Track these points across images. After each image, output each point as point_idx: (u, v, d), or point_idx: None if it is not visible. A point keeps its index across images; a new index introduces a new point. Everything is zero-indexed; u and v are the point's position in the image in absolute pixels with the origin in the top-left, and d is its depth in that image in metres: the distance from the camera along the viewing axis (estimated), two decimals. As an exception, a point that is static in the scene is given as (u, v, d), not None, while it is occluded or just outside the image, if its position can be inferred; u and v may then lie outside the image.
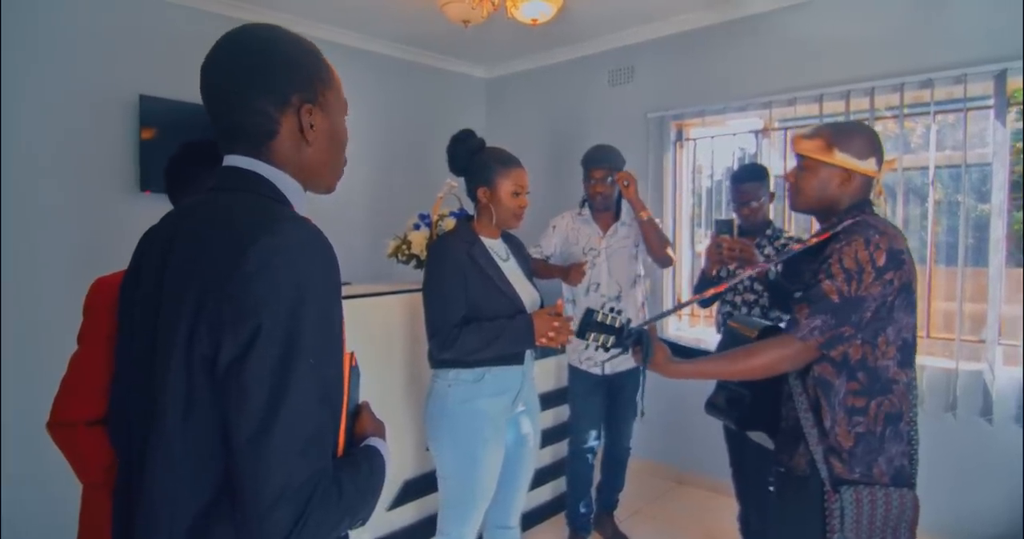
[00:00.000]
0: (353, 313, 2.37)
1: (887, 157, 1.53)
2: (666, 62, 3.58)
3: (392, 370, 2.47)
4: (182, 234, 0.82)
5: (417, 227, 2.74)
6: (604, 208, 2.71)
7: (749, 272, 1.69)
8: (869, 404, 1.38)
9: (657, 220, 2.65)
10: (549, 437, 3.06)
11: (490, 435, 1.83)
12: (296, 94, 0.85)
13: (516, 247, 2.03)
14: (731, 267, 2.24)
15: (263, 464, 0.69)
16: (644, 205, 2.59)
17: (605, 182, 2.65)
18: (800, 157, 1.52)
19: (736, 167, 3.21)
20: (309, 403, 0.73)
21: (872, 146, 1.46)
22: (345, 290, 2.77)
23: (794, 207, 1.57)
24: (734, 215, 2.46)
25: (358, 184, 3.85)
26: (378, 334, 2.44)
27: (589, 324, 1.48)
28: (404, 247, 2.70)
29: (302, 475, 0.71)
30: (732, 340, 1.65)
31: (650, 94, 3.65)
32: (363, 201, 3.85)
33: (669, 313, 1.69)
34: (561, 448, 3.00)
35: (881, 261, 1.34)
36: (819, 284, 1.38)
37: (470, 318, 1.79)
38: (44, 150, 2.64)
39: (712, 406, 1.72)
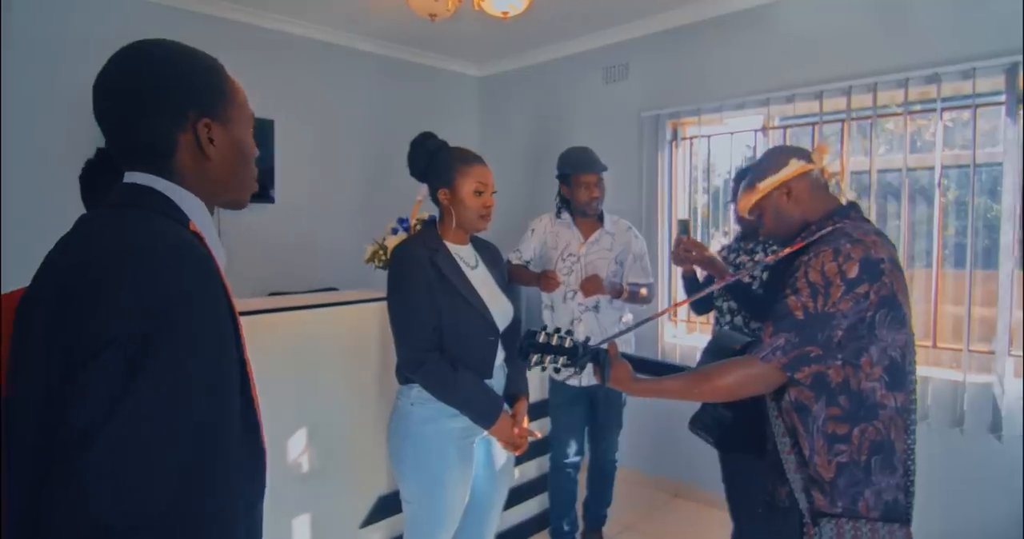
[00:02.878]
0: (327, 322, 2.30)
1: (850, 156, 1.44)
2: (661, 59, 3.45)
3: (365, 380, 2.38)
4: (64, 251, 0.79)
5: (395, 231, 2.64)
6: (593, 215, 2.59)
7: (726, 280, 1.59)
8: (852, 431, 1.25)
9: (632, 285, 2.64)
10: (535, 450, 2.95)
11: (456, 457, 1.72)
12: (193, 109, 0.84)
13: (489, 255, 1.91)
14: (698, 270, 2.18)
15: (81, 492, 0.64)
16: (617, 291, 2.55)
17: (599, 187, 2.54)
18: (752, 213, 1.50)
19: (743, 166, 3.11)
20: (145, 438, 0.67)
21: (782, 154, 1.45)
22: (321, 298, 2.69)
23: (782, 243, 1.49)
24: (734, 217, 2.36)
25: (349, 186, 3.77)
26: (351, 343, 2.35)
27: (532, 345, 1.39)
28: (381, 252, 2.61)
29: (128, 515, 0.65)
30: (715, 354, 1.54)
31: (645, 92, 3.52)
32: (354, 203, 3.77)
33: (627, 331, 1.61)
34: (546, 461, 2.89)
35: (852, 273, 1.22)
36: (784, 300, 1.27)
37: (437, 328, 1.68)
38: (25, 155, 2.59)
39: (695, 424, 1.61)
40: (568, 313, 2.58)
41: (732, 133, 3.27)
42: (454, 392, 1.66)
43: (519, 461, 2.92)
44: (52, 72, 2.67)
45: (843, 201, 1.42)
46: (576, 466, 2.62)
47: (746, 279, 2.23)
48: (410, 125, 1.85)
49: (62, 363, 0.68)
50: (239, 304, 2.37)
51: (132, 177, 0.84)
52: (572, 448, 2.60)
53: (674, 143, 3.48)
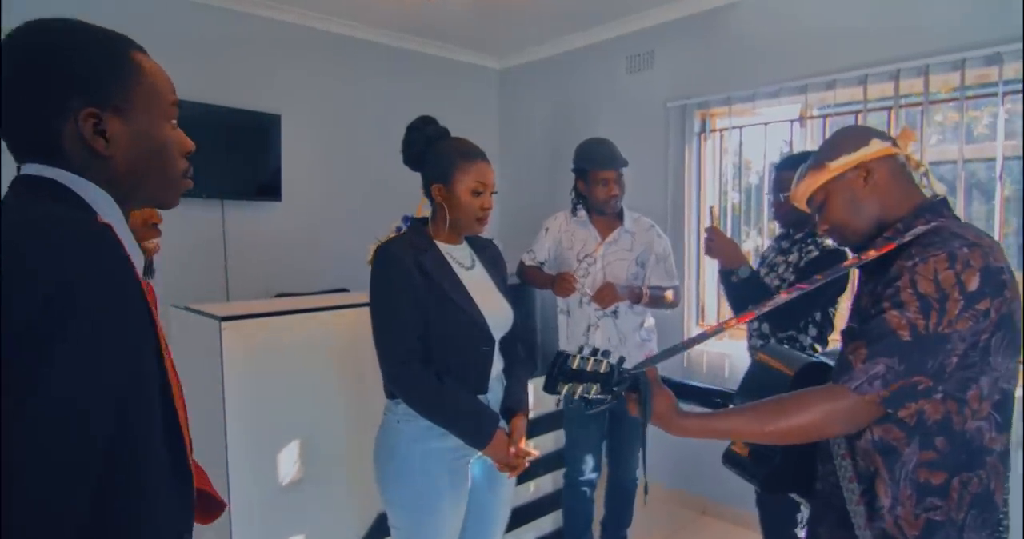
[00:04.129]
0: (326, 325, 2.15)
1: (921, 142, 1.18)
2: (689, 45, 3.22)
3: (366, 388, 2.23)
4: None
5: (400, 230, 2.48)
6: (612, 213, 2.39)
7: (790, 295, 1.18)
8: (951, 481, 1.01)
9: (650, 289, 2.40)
10: (551, 463, 2.77)
11: (448, 481, 1.55)
12: (76, 98, 0.73)
13: (488, 255, 1.73)
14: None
15: None
16: (637, 295, 2.33)
17: (618, 184, 2.33)
18: (811, 202, 1.23)
19: (785, 154, 2.87)
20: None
21: (860, 132, 1.20)
22: (323, 300, 2.55)
23: (856, 246, 1.21)
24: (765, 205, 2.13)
25: (360, 183, 3.63)
26: (352, 348, 2.20)
27: (563, 373, 1.11)
28: (384, 253, 2.45)
29: None
30: (760, 378, 1.31)
31: (671, 81, 3.30)
32: (365, 201, 3.63)
33: (678, 351, 1.20)
34: (563, 476, 2.70)
35: (973, 284, 0.97)
36: (882, 315, 1.01)
37: (423, 337, 1.51)
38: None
39: (732, 459, 1.35)
40: (584, 318, 2.39)
41: (766, 124, 3.04)
42: (440, 409, 1.48)
43: (533, 476, 2.74)
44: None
45: (928, 195, 1.18)
46: (592, 483, 2.43)
47: (775, 282, 2.01)
48: (465, 138, 1.67)
49: None
50: (242, 306, 2.20)
51: (28, 169, 0.75)
52: (588, 465, 2.40)
53: (703, 135, 3.25)
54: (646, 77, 3.41)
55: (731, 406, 1.27)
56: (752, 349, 2.10)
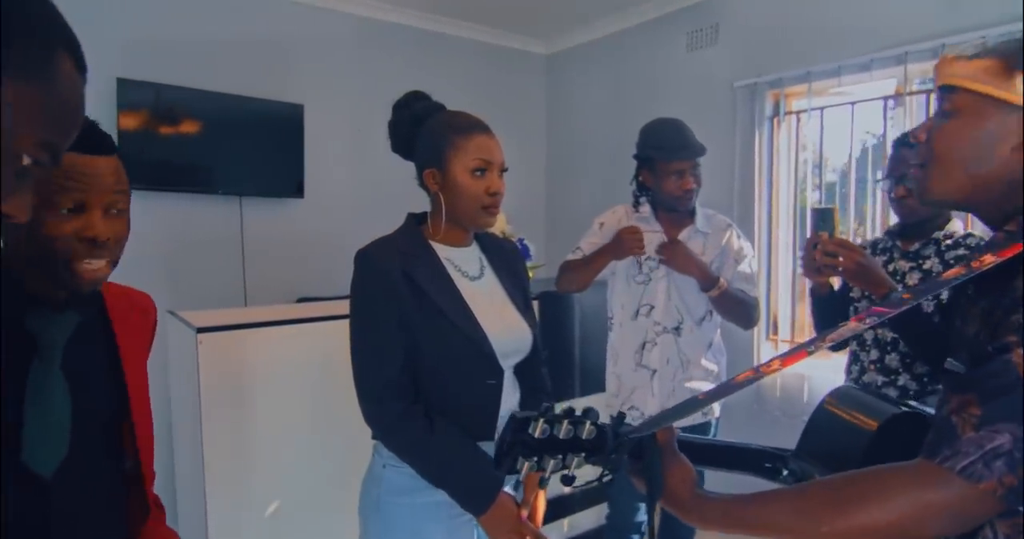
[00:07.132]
0: (322, 337, 1.87)
1: None
2: (759, 13, 2.80)
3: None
4: None
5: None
6: (684, 209, 1.99)
7: (862, 324, 0.78)
8: None
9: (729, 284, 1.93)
10: (593, 496, 2.42)
11: (441, 543, 1.22)
12: None
13: (503, 258, 1.38)
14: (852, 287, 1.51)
15: None
16: (711, 278, 1.88)
17: (694, 176, 1.93)
18: (947, 92, 0.78)
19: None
20: None
21: None
22: (327, 309, 2.28)
23: (926, 193, 0.82)
24: (895, 201, 1.64)
25: (396, 179, 3.30)
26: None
27: (522, 444, 0.78)
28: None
29: None
30: (830, 433, 0.91)
31: (739, 57, 2.89)
32: (395, 198, 3.30)
33: (695, 407, 0.83)
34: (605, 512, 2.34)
35: None
36: (1006, 355, 0.66)
37: (411, 367, 1.19)
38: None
39: None
40: (639, 333, 1.99)
41: (853, 103, 2.58)
42: (426, 461, 1.15)
43: (568, 512, 2.39)
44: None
45: None
46: (640, 529, 2.04)
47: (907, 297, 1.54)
48: (468, 111, 1.34)
49: None
50: (260, 312, 1.90)
51: None
52: (636, 507, 2.02)
53: (776, 119, 2.83)
54: (709, 54, 3.01)
55: (784, 473, 0.90)
56: (854, 369, 1.66)
